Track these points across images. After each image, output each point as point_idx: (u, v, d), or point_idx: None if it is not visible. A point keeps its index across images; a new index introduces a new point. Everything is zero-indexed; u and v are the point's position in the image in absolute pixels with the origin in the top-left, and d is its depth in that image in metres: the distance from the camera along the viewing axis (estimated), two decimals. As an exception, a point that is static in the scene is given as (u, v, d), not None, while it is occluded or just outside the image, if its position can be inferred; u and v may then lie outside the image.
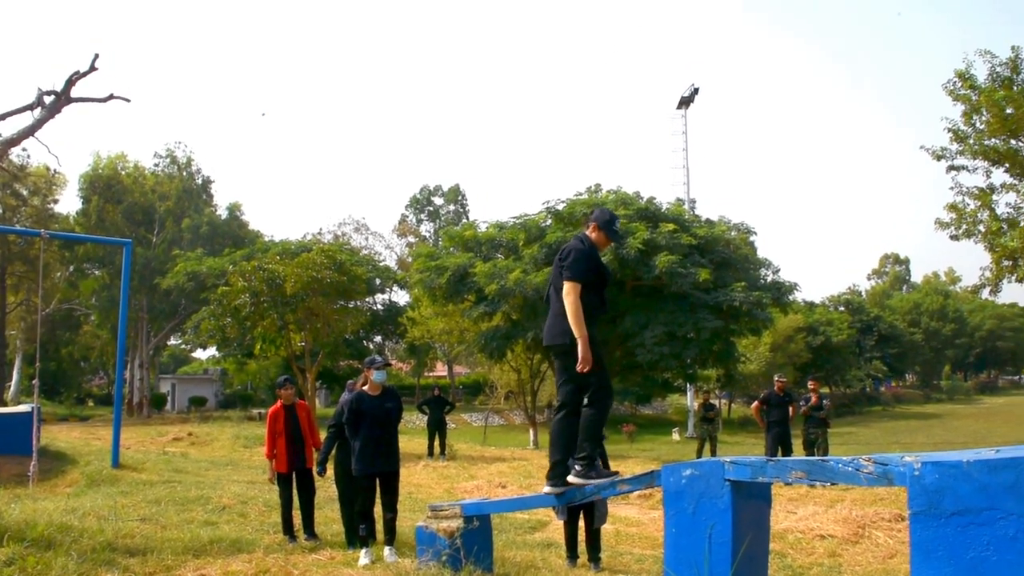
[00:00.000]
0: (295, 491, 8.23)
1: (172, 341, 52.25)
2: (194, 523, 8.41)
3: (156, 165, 44.50)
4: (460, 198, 66.30)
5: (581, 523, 7.18)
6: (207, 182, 45.94)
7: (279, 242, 39.80)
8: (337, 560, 6.94)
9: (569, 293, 4.93)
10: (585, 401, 5.04)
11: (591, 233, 5.32)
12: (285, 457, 8.16)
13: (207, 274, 35.04)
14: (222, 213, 46.37)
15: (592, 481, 4.95)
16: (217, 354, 41.46)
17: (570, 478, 5.07)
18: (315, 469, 8.08)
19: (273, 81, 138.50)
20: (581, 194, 23.80)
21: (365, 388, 7.14)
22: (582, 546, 7.19)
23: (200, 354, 67.88)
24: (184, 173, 44.37)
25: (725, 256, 22.17)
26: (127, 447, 17.62)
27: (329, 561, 6.89)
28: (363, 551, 6.81)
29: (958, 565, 2.84)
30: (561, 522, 7.41)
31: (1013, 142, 18.99)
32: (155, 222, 42.72)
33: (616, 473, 4.98)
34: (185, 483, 12.03)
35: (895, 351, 60.74)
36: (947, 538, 2.88)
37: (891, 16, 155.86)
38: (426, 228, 65.05)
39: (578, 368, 4.81)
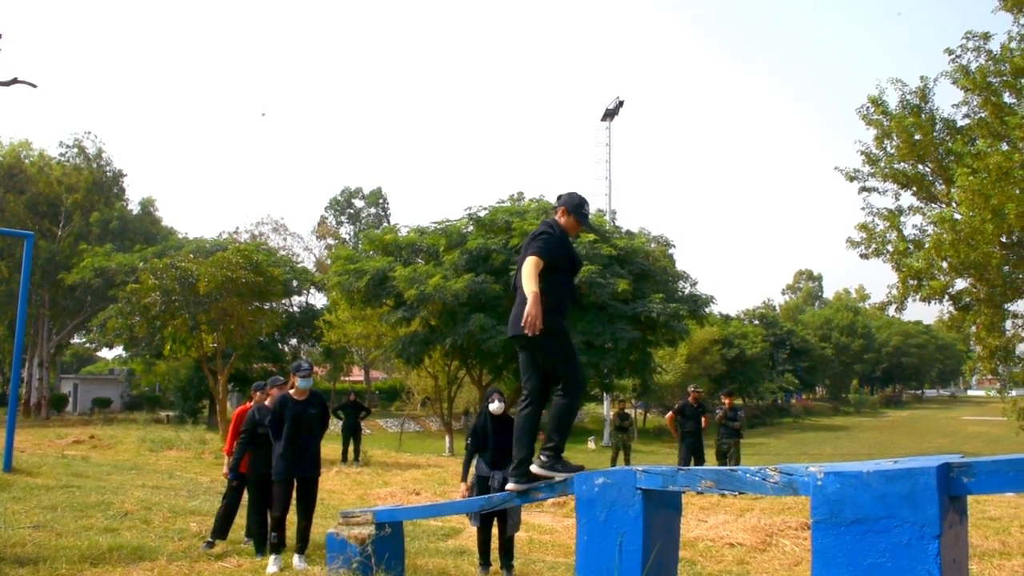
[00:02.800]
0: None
1: (76, 339, 50.53)
2: (93, 530, 8.02)
3: (63, 155, 42.94)
4: (381, 201, 65.85)
5: (495, 530, 7.14)
6: (118, 175, 44.51)
7: (193, 240, 38.95)
8: (244, 568, 6.76)
9: (528, 263, 4.65)
10: (559, 391, 4.76)
11: (560, 218, 5.02)
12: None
13: (116, 271, 34.07)
14: (134, 208, 45.23)
15: (557, 474, 4.67)
16: (124, 354, 40.18)
17: (533, 468, 4.77)
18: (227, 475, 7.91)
19: (193, 75, 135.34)
20: (504, 201, 23.92)
21: (291, 392, 7.02)
22: (495, 553, 7.16)
23: (106, 353, 65.64)
24: (94, 165, 42.86)
25: (644, 268, 22.53)
26: (22, 450, 16.83)
27: (236, 569, 6.70)
28: (272, 558, 6.65)
29: (856, 571, 2.91)
30: (475, 529, 7.37)
31: (920, 167, 19.78)
32: (61, 215, 41.29)
33: (581, 467, 4.66)
34: (85, 488, 11.50)
35: (806, 364, 62.63)
36: (847, 545, 2.95)
37: (814, 38, 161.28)
38: (346, 230, 64.35)
39: (524, 325, 4.41)
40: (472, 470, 7.20)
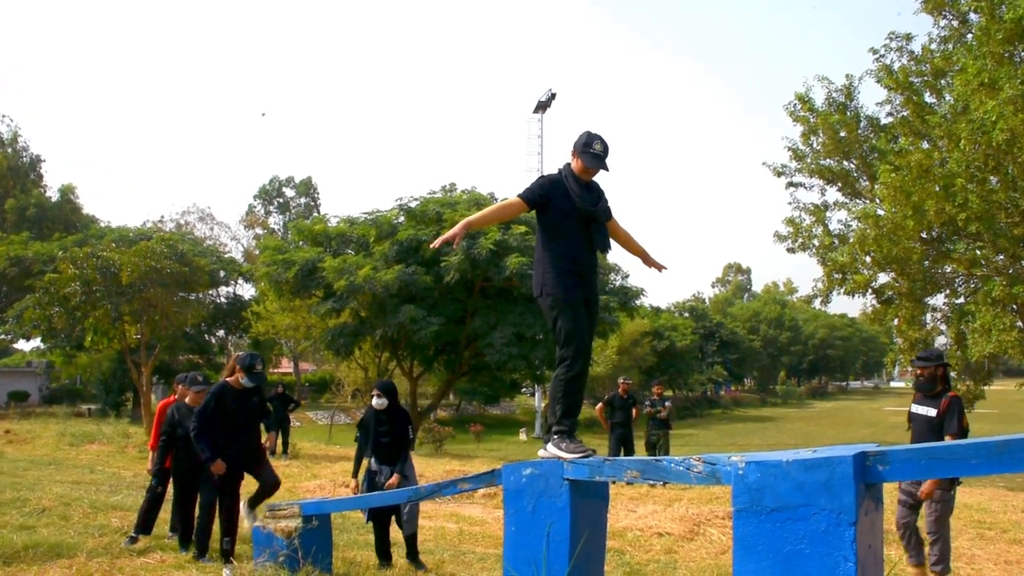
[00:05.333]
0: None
1: (-10, 331, 48.52)
2: (7, 528, 7.72)
3: (-26, 140, 41.42)
4: (312, 191, 64.88)
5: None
6: (36, 160, 43.12)
7: (116, 229, 37.92)
8: (168, 563, 6.57)
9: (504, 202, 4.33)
10: (557, 361, 4.38)
11: (572, 160, 4.53)
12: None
13: (33, 260, 33.02)
14: (53, 195, 43.87)
15: (564, 455, 4.12)
16: (42, 346, 38.71)
17: (539, 451, 4.35)
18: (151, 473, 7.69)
19: (118, 58, 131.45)
20: (435, 192, 23.79)
21: (230, 380, 6.51)
22: (402, 550, 7.07)
23: (23, 345, 63.19)
24: (9, 150, 41.44)
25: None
26: (-68, 445, 16.17)
27: (159, 564, 6.52)
28: (227, 570, 6.13)
29: (776, 558, 2.95)
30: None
31: (845, 163, 20.23)
32: (-27, 201, 39.78)
33: (592, 451, 4.18)
34: (-1, 484, 11.11)
35: (735, 357, 63.90)
36: (767, 533, 2.99)
37: (745, 33, 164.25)
38: (275, 220, 63.23)
39: (432, 244, 4.17)
40: (365, 465, 7.11)
